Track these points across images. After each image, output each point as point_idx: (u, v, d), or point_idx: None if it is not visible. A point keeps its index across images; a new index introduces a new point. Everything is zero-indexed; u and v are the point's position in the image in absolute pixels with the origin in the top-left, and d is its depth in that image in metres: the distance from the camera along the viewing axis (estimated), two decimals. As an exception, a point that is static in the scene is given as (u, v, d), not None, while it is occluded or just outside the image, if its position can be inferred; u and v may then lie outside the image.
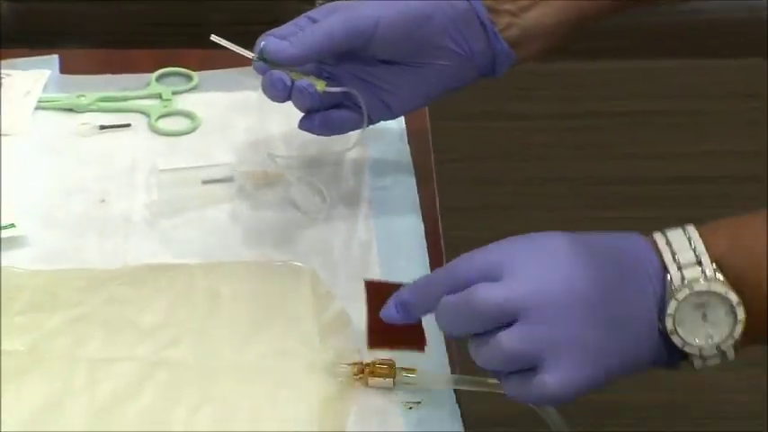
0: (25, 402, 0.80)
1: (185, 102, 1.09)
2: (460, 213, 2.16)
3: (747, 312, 0.74)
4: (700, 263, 0.74)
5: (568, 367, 0.73)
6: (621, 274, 0.75)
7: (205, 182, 0.98)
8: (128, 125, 1.06)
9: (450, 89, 0.95)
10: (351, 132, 0.97)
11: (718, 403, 1.88)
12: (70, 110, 1.07)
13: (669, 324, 0.74)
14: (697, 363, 0.76)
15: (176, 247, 0.94)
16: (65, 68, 1.12)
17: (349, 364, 0.83)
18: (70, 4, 2.46)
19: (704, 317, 0.74)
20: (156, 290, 0.89)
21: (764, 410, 1.81)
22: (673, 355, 0.76)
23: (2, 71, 1.10)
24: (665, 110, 2.42)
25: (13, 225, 0.94)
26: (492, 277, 0.74)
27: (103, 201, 0.98)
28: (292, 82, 0.91)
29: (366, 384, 0.82)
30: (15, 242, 0.94)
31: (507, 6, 0.93)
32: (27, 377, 0.82)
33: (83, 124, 1.06)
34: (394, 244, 0.94)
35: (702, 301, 0.74)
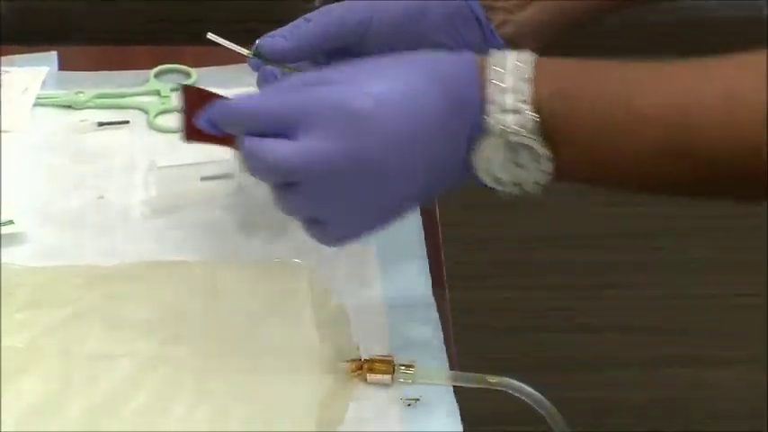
0: (24, 399, 0.80)
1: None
2: (460, 210, 2.16)
3: (559, 160, 0.75)
4: (519, 111, 0.74)
5: (349, 224, 0.78)
6: (435, 118, 0.75)
7: (204, 178, 0.98)
8: (126, 122, 1.06)
9: None
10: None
11: (718, 402, 1.88)
12: (68, 107, 1.07)
13: (478, 162, 0.76)
14: (500, 194, 0.77)
15: (175, 243, 0.94)
16: (63, 65, 1.12)
17: (347, 361, 0.83)
18: (69, 2, 2.46)
19: (514, 160, 0.75)
20: (155, 286, 0.89)
21: (765, 409, 1.81)
22: (475, 177, 0.77)
23: (0, 68, 1.10)
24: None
25: (11, 222, 0.94)
26: (288, 131, 0.75)
27: (102, 197, 0.98)
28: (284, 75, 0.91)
29: (365, 381, 0.82)
30: (14, 239, 0.93)
31: (502, 4, 0.93)
32: (26, 374, 0.82)
33: (81, 121, 1.06)
34: (392, 240, 0.94)
35: (514, 147, 0.75)
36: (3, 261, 0.91)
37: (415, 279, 0.91)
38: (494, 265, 2.12)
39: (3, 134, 1.03)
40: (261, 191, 0.99)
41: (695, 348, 1.94)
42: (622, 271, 2.10)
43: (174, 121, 1.06)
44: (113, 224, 0.96)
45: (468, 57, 0.77)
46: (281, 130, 0.76)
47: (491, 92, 0.74)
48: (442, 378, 0.83)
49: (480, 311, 2.00)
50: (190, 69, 1.11)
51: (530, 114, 0.74)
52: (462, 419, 0.81)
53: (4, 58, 1.11)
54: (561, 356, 1.97)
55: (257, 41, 0.92)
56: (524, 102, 0.74)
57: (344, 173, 0.75)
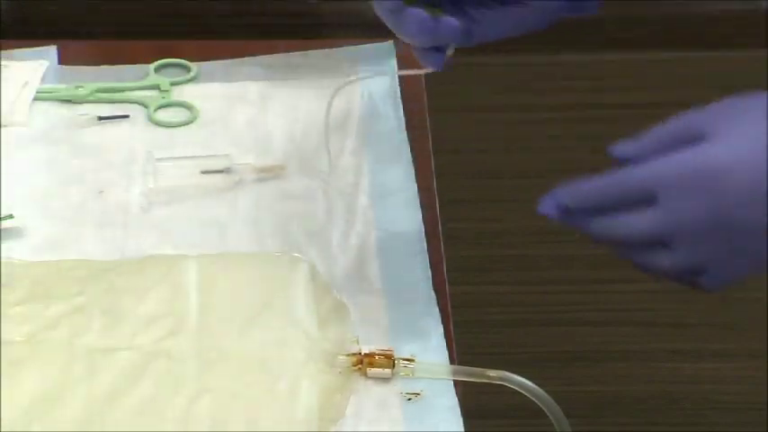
0: (24, 392, 0.80)
1: (184, 93, 1.08)
2: (460, 205, 2.17)
3: None
4: None
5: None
6: None
7: (204, 172, 0.98)
8: (126, 116, 1.06)
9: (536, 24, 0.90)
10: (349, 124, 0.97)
11: (717, 395, 1.88)
12: (68, 101, 1.07)
13: None
14: None
15: (175, 237, 0.94)
16: (63, 59, 1.12)
17: (347, 355, 0.83)
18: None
19: None
20: (155, 280, 0.89)
21: (765, 403, 1.81)
22: None
23: (0, 62, 1.10)
24: (666, 102, 2.41)
25: (11, 216, 0.94)
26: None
27: (101, 192, 0.98)
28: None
29: (365, 375, 0.82)
30: (13, 233, 0.93)
31: None
32: (26, 367, 0.82)
33: (81, 115, 1.06)
34: (392, 236, 0.94)
35: None
36: (2, 255, 0.91)
37: (415, 273, 0.91)
38: (494, 259, 2.12)
39: (2, 128, 1.03)
40: (260, 185, 0.99)
41: (695, 342, 1.94)
42: (622, 265, 2.09)
43: (173, 114, 1.06)
44: (113, 218, 0.96)
45: None
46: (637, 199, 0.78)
47: None
48: (442, 372, 0.83)
49: (480, 306, 2.00)
50: (190, 64, 1.11)
51: None
52: (462, 414, 0.81)
53: (3, 51, 1.11)
54: (561, 350, 1.97)
55: None
56: None
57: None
